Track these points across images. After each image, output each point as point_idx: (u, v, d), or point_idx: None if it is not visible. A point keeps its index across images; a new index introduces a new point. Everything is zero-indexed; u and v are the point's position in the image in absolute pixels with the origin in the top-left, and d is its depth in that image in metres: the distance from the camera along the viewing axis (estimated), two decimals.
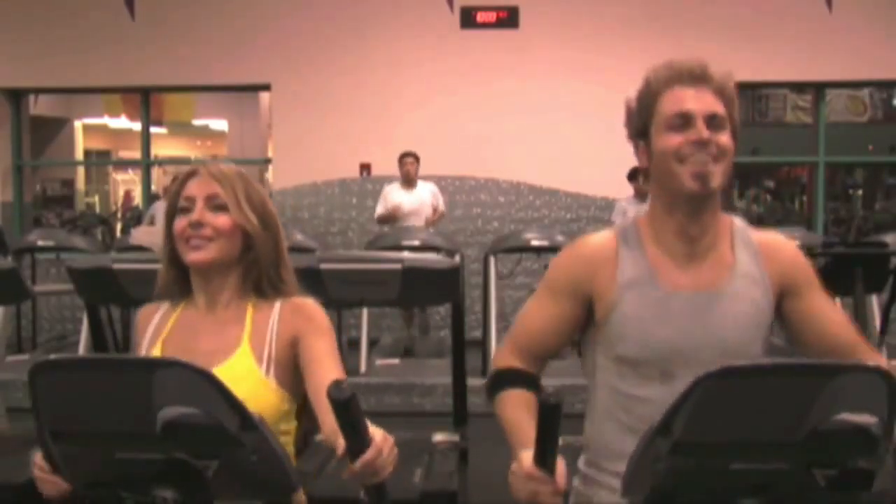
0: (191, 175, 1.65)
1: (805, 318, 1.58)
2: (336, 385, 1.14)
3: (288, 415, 1.64)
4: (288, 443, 1.65)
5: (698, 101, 1.51)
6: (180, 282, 1.69)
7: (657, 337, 1.52)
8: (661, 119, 1.53)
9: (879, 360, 1.57)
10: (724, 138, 1.50)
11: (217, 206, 1.62)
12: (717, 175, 1.49)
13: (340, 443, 1.26)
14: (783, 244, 1.61)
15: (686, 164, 1.49)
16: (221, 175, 1.63)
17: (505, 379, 1.59)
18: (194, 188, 1.63)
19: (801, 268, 1.59)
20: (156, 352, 1.64)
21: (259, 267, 1.66)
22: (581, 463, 1.69)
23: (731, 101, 1.54)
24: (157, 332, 1.68)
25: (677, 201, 1.54)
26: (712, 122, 1.50)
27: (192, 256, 1.61)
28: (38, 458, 1.35)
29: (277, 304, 1.66)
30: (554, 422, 1.15)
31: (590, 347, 1.64)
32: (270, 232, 1.66)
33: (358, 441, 1.21)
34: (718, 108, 1.51)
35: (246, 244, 1.64)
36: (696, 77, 1.52)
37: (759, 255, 1.57)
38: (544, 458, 1.21)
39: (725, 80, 1.54)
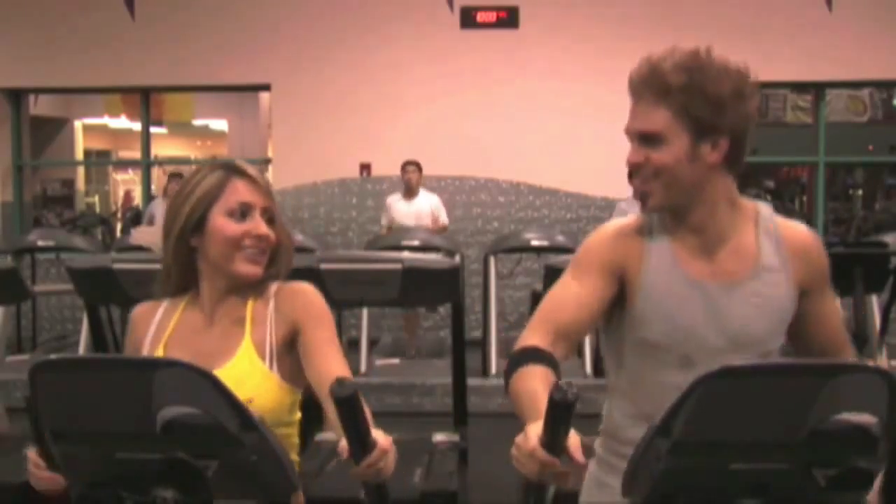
0: (236, 172, 1.62)
1: (809, 317, 1.58)
2: (339, 382, 1.14)
3: (293, 406, 1.64)
4: (292, 434, 1.65)
5: (633, 120, 1.49)
6: (185, 278, 1.66)
7: (680, 323, 1.51)
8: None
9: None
10: (657, 156, 1.46)
11: (270, 218, 1.62)
12: (657, 194, 1.50)
13: (344, 444, 1.25)
14: (814, 244, 1.58)
15: (633, 180, 1.51)
16: (268, 187, 1.64)
17: (525, 357, 1.46)
18: (249, 194, 1.60)
19: (823, 268, 1.58)
20: (159, 353, 1.62)
21: (277, 270, 1.67)
22: (597, 445, 1.70)
23: (682, 99, 1.43)
24: (160, 332, 1.65)
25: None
26: (646, 139, 1.47)
27: (248, 269, 1.60)
28: (31, 454, 1.35)
29: (272, 290, 1.65)
30: (566, 417, 1.10)
31: (612, 329, 1.63)
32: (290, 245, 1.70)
33: (361, 440, 1.21)
34: (652, 124, 1.45)
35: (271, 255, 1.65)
36: (635, 87, 1.48)
37: (784, 248, 1.56)
38: (553, 443, 1.11)
39: (674, 75, 1.43)
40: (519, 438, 1.17)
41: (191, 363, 1.20)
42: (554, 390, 1.06)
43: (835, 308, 1.62)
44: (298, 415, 1.66)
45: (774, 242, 1.56)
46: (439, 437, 3.19)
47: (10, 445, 2.87)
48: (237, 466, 1.21)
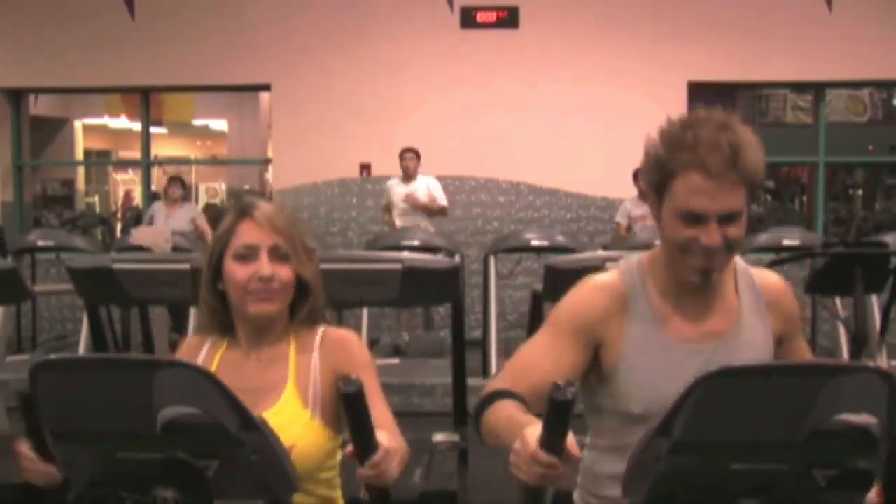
0: (242, 215, 1.61)
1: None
2: (345, 380, 1.16)
3: (333, 452, 1.64)
4: (334, 476, 1.65)
5: (715, 201, 1.40)
6: (221, 315, 1.66)
7: (664, 394, 1.43)
8: (673, 203, 1.44)
9: None
10: (735, 231, 1.43)
11: (280, 256, 1.59)
12: (722, 268, 1.47)
13: (349, 448, 1.27)
14: (786, 293, 1.61)
15: (690, 256, 1.44)
16: (281, 224, 1.60)
17: (496, 395, 1.45)
18: (254, 235, 1.59)
19: (795, 316, 1.62)
20: None
21: (307, 307, 1.65)
22: (575, 497, 1.68)
23: (753, 182, 1.43)
24: None
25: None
26: (726, 219, 1.42)
27: (260, 308, 1.59)
28: (22, 447, 1.36)
29: (317, 338, 1.65)
30: (565, 417, 1.10)
31: (591, 393, 1.61)
32: (318, 277, 1.65)
33: (365, 439, 1.22)
34: (736, 203, 1.41)
35: (299, 289, 1.63)
36: (718, 165, 1.38)
37: (762, 301, 1.57)
38: (553, 443, 1.11)
39: (755, 170, 1.41)
40: (516, 444, 1.15)
41: (191, 363, 1.21)
42: (553, 391, 1.07)
43: (806, 350, 1.66)
44: (338, 458, 1.66)
45: (754, 295, 1.57)
46: (439, 437, 3.19)
47: (10, 445, 2.87)
48: (237, 466, 1.21)
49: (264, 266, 1.57)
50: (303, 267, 1.61)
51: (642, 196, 7.03)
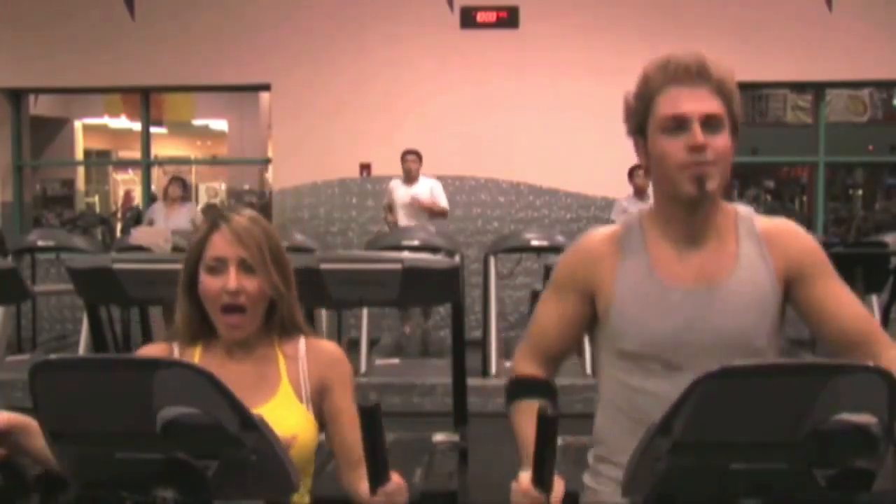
0: (213, 227, 1.62)
1: (817, 306, 1.54)
2: (365, 396, 1.22)
3: (319, 447, 1.68)
4: (311, 474, 1.70)
5: (694, 102, 1.48)
6: (197, 323, 1.66)
7: (656, 331, 1.52)
8: (656, 120, 1.51)
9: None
10: (721, 141, 1.48)
11: (247, 269, 1.60)
12: (715, 178, 1.48)
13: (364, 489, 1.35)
14: (789, 230, 1.59)
15: (684, 170, 1.48)
16: (249, 236, 1.60)
17: (521, 387, 1.63)
18: (223, 248, 1.60)
19: (808, 253, 1.56)
20: None
21: (280, 316, 1.67)
22: (590, 457, 1.70)
23: (730, 96, 1.51)
24: None
25: (675, 201, 1.54)
26: (708, 123, 1.48)
27: (231, 335, 1.61)
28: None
29: (301, 346, 1.69)
30: (550, 436, 1.20)
31: (595, 343, 1.66)
32: (290, 287, 1.66)
33: (378, 459, 1.27)
34: (715, 107, 1.49)
35: (271, 301, 1.65)
36: (693, 75, 1.49)
37: (764, 243, 1.56)
38: (541, 475, 1.26)
39: (724, 76, 1.51)
40: (513, 485, 1.32)
41: (190, 363, 1.21)
42: (539, 413, 1.21)
43: (844, 293, 1.56)
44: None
45: (754, 239, 1.57)
46: (439, 437, 3.19)
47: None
48: (237, 466, 1.21)
49: (231, 280, 1.58)
50: (270, 280, 1.61)
51: (638, 194, 7.06)
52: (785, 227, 1.60)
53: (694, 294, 1.53)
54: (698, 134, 1.47)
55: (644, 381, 1.54)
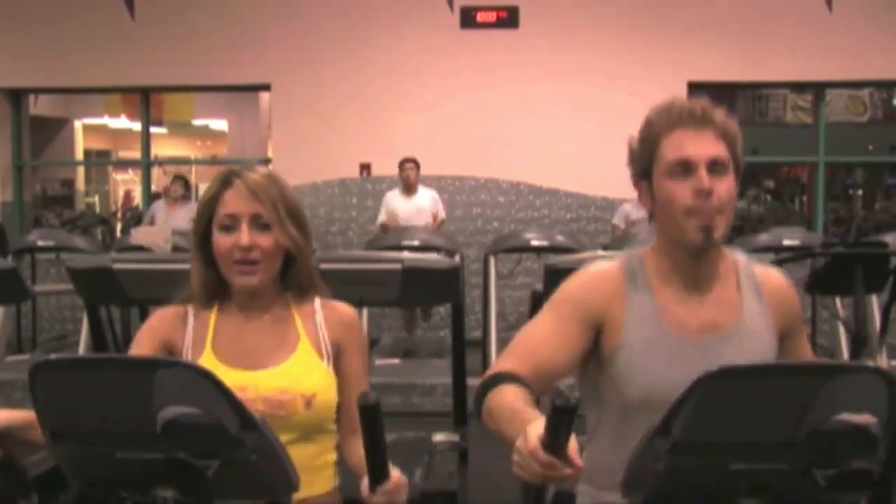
0: (226, 184, 1.60)
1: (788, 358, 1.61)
2: (364, 394, 1.21)
3: (339, 406, 1.68)
4: (335, 433, 1.70)
5: (700, 146, 1.48)
6: (213, 283, 1.65)
7: (663, 382, 1.47)
8: (662, 165, 1.51)
9: None
10: (726, 185, 1.49)
11: (262, 225, 1.58)
12: (721, 227, 1.49)
13: (365, 484, 1.32)
14: (785, 287, 1.63)
15: (691, 217, 1.48)
16: (263, 191, 1.58)
17: (500, 378, 1.44)
18: (236, 204, 1.58)
19: (797, 312, 1.64)
20: (206, 358, 1.61)
21: (297, 272, 1.66)
22: (580, 491, 1.68)
23: (733, 140, 1.51)
24: (200, 337, 1.64)
25: (681, 247, 1.53)
26: (714, 167, 1.48)
27: (243, 282, 1.60)
28: None
29: (317, 305, 1.69)
30: (568, 423, 1.08)
31: (592, 382, 1.62)
32: (308, 240, 1.65)
33: (378, 459, 1.26)
34: (720, 151, 1.49)
35: (287, 257, 1.64)
36: (697, 118, 1.50)
37: (764, 295, 1.59)
38: (554, 446, 1.09)
39: (726, 121, 1.52)
40: (518, 441, 1.14)
41: (191, 363, 1.21)
42: (556, 396, 1.04)
43: (808, 349, 1.67)
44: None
45: (755, 291, 1.59)
46: (439, 437, 3.18)
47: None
48: (237, 466, 1.21)
49: (243, 236, 1.57)
50: (286, 235, 1.59)
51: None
52: (784, 284, 1.63)
53: (701, 344, 1.53)
54: (704, 178, 1.47)
55: (643, 430, 1.52)
